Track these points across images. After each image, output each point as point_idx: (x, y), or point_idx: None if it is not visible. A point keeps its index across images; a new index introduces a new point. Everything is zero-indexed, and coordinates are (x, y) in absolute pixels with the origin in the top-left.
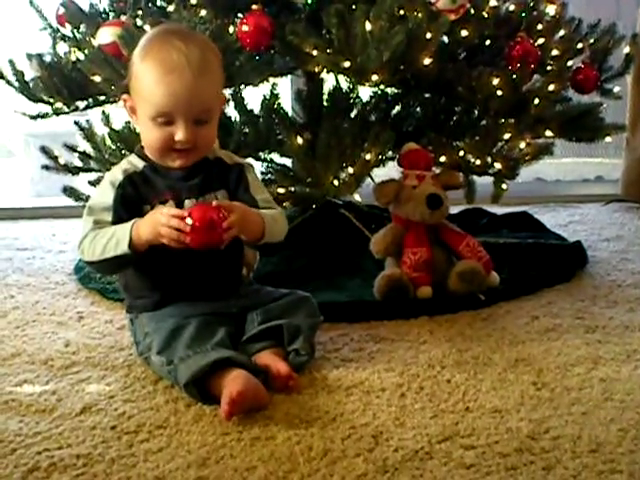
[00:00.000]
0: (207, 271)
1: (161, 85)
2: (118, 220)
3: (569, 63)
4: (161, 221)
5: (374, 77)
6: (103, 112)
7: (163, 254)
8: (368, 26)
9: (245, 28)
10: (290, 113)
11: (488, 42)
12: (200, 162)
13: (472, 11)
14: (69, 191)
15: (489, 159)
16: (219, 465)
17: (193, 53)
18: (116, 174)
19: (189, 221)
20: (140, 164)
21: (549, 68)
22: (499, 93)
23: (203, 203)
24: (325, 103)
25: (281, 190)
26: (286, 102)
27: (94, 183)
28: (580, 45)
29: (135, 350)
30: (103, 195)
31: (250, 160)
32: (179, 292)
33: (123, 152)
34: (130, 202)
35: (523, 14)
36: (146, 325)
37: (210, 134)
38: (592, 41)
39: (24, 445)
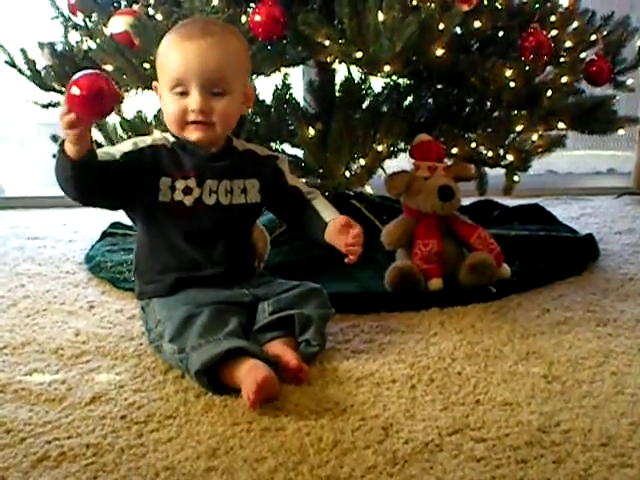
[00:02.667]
0: (218, 255)
1: (176, 52)
2: (123, 169)
3: (582, 55)
4: None
5: (386, 68)
6: None
7: (174, 234)
8: (381, 16)
9: (257, 18)
10: (302, 104)
11: (501, 33)
12: (228, 148)
13: (485, 2)
14: None
15: (501, 151)
16: (229, 456)
17: (211, 28)
18: (145, 139)
19: (76, 90)
20: (171, 139)
21: (562, 60)
22: (512, 85)
23: (92, 73)
24: (337, 94)
25: None
26: (298, 92)
27: None
28: (593, 37)
29: (146, 338)
30: (118, 145)
31: None
32: (190, 277)
33: None
34: (142, 168)
35: (536, 5)
36: (158, 313)
37: (227, 109)
38: (605, 33)
39: (34, 434)
